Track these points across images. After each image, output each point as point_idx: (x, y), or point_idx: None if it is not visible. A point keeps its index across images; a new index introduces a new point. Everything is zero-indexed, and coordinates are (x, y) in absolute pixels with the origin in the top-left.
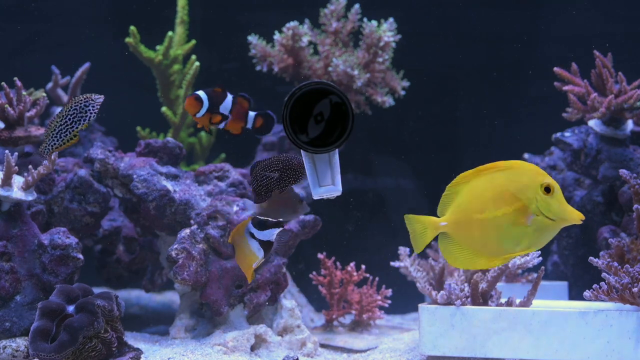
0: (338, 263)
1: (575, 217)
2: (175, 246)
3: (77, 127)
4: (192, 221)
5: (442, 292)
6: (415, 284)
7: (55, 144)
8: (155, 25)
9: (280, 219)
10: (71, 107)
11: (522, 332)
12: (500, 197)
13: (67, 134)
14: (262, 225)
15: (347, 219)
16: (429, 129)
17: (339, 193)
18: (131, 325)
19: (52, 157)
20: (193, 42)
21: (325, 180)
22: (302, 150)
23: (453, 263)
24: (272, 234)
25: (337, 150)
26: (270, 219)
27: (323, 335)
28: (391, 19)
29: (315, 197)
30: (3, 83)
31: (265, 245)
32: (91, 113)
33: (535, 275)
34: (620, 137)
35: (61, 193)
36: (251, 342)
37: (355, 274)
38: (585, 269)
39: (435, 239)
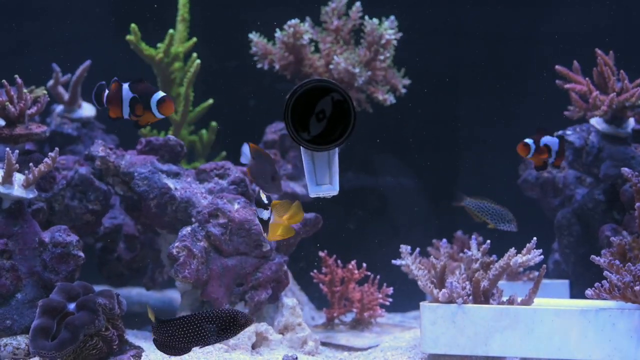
0: (339, 261)
1: None
2: (177, 244)
3: None
4: (193, 219)
5: (443, 290)
6: (417, 282)
7: None
8: (156, 22)
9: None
10: None
11: (524, 331)
12: None
13: None
14: (259, 204)
15: (348, 217)
16: (430, 127)
17: (335, 193)
18: (132, 323)
19: (53, 154)
20: (194, 40)
21: (323, 179)
22: (302, 148)
23: None
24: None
25: (336, 150)
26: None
27: (324, 333)
28: (392, 17)
29: (312, 195)
30: (4, 81)
31: (263, 223)
32: None
33: (536, 273)
34: (622, 135)
35: (62, 191)
36: (252, 340)
37: (356, 272)
38: (587, 267)
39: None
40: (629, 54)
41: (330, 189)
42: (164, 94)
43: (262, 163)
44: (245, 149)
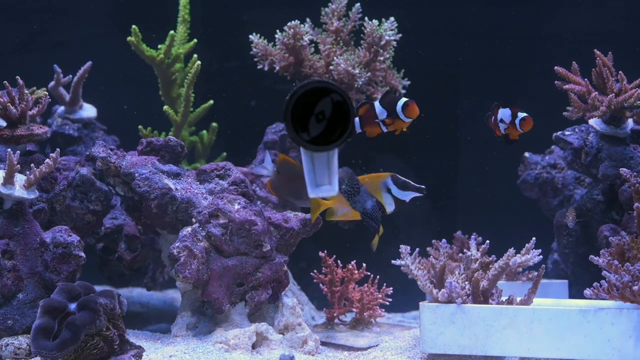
0: (339, 261)
1: None
2: (177, 244)
3: None
4: (193, 219)
5: (443, 290)
6: (416, 282)
7: None
8: (157, 24)
9: (422, 186)
10: None
11: (523, 330)
12: None
13: None
14: (403, 186)
15: None
16: (430, 127)
17: (334, 194)
18: (133, 323)
19: (54, 155)
20: (194, 41)
21: (322, 180)
22: (301, 149)
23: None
24: (409, 196)
25: (336, 151)
26: (412, 183)
27: (324, 333)
28: (392, 18)
29: (311, 197)
30: (5, 82)
31: (400, 203)
32: None
33: (535, 273)
34: (621, 135)
35: (63, 191)
36: (252, 340)
37: (356, 272)
38: (586, 267)
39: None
40: (628, 54)
41: (329, 189)
42: (406, 99)
43: (289, 175)
44: (267, 158)
